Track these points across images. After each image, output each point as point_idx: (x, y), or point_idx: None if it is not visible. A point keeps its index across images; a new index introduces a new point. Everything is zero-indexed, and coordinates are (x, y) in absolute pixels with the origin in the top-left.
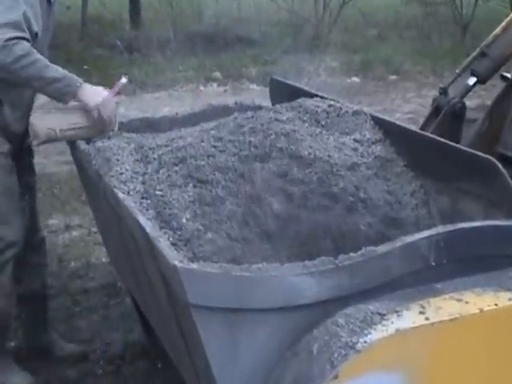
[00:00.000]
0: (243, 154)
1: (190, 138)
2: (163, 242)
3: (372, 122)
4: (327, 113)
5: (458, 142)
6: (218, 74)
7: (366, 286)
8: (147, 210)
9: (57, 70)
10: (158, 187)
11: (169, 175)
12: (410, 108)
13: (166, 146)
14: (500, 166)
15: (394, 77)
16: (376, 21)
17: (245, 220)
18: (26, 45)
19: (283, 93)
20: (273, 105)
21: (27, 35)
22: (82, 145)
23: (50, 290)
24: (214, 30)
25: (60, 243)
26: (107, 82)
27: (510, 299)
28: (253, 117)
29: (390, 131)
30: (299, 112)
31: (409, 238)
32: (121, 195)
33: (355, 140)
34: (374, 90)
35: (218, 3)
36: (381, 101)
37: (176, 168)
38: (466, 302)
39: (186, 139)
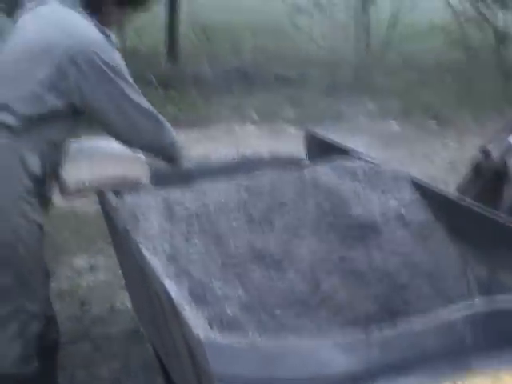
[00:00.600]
0: (282, 222)
1: (222, 199)
2: (189, 311)
3: (411, 185)
4: (365, 172)
5: (499, 205)
6: (254, 115)
7: (397, 361)
8: (175, 273)
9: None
10: (185, 250)
11: (197, 240)
12: (449, 156)
13: (195, 202)
14: None
15: (434, 123)
16: (417, 64)
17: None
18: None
19: (318, 146)
20: (307, 156)
21: None
22: (111, 196)
23: (72, 334)
24: (252, 66)
25: (84, 285)
26: None
27: None
28: (288, 178)
29: (429, 195)
30: (337, 170)
31: (445, 315)
32: (147, 254)
33: (396, 201)
34: (413, 136)
35: (257, 39)
36: (420, 147)
37: (205, 232)
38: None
39: (217, 201)
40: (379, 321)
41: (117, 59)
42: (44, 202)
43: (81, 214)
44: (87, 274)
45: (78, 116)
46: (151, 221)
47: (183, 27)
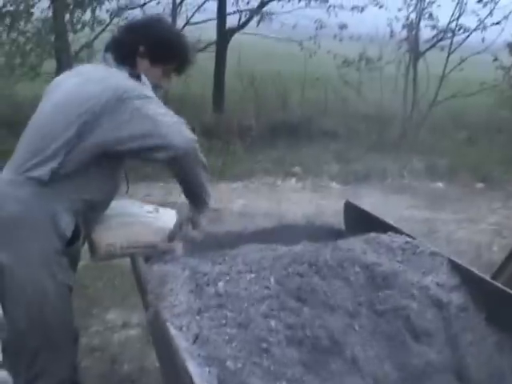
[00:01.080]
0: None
1: (253, 276)
2: None
3: (449, 266)
4: (403, 249)
5: None
6: (297, 169)
7: None
8: (199, 353)
9: (206, 176)
10: (215, 334)
11: (225, 321)
12: (495, 219)
13: (224, 278)
14: None
15: (481, 184)
16: (466, 123)
17: None
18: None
19: (357, 217)
20: (346, 227)
21: None
22: (140, 262)
23: None
24: (298, 120)
25: (115, 342)
26: None
27: None
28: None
29: (466, 278)
30: (374, 246)
31: None
32: (173, 331)
33: (434, 283)
34: (459, 197)
35: (304, 93)
36: (465, 209)
37: (233, 314)
38: None
39: (247, 281)
40: None
41: (144, 91)
42: (73, 262)
43: (116, 266)
44: (119, 330)
45: (115, 167)
46: (178, 294)
47: (231, 76)
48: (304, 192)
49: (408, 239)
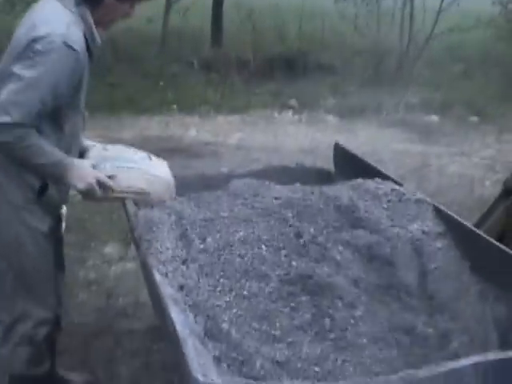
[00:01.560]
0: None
1: (242, 226)
2: (190, 347)
3: (434, 213)
4: (388, 196)
5: None
6: (294, 102)
7: None
8: (185, 301)
9: (45, 155)
10: (200, 282)
11: (209, 269)
12: (488, 153)
13: (209, 222)
14: None
15: (474, 118)
16: (462, 57)
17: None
18: (19, 131)
19: (346, 159)
20: (335, 169)
21: (30, 120)
22: (130, 206)
23: (95, 327)
24: (295, 54)
25: (112, 275)
26: (181, 100)
27: None
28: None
29: (451, 225)
30: (361, 192)
31: (454, 364)
32: (158, 278)
33: (419, 230)
34: (453, 131)
35: (301, 27)
36: (458, 143)
37: (219, 266)
38: None
39: (234, 229)
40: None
41: (51, 55)
42: (50, 210)
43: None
44: (116, 264)
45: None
46: (164, 241)
47: (229, 10)
48: (300, 125)
49: (394, 186)
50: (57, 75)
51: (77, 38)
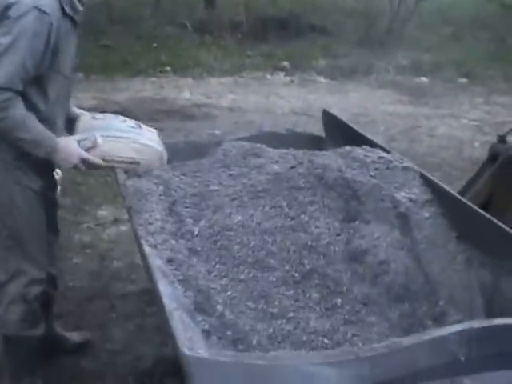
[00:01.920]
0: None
1: (223, 190)
2: (177, 320)
3: (421, 180)
4: (376, 164)
5: None
6: (286, 64)
7: (387, 377)
8: (174, 274)
9: (31, 132)
10: (188, 256)
11: (199, 242)
12: (477, 115)
13: (198, 197)
14: None
15: (463, 80)
16: (452, 18)
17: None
18: (3, 96)
19: (335, 126)
20: (325, 135)
21: (14, 85)
22: (120, 176)
23: (89, 291)
24: (287, 16)
25: (105, 238)
26: (175, 61)
27: None
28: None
29: (437, 193)
30: (349, 160)
31: (438, 332)
32: (147, 249)
33: (406, 198)
34: (442, 92)
35: None
36: (448, 104)
37: (204, 229)
38: None
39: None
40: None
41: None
42: (42, 168)
43: None
44: (110, 227)
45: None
46: (153, 211)
47: None
48: (292, 86)
49: (382, 154)
50: (32, 38)
51: (47, 2)
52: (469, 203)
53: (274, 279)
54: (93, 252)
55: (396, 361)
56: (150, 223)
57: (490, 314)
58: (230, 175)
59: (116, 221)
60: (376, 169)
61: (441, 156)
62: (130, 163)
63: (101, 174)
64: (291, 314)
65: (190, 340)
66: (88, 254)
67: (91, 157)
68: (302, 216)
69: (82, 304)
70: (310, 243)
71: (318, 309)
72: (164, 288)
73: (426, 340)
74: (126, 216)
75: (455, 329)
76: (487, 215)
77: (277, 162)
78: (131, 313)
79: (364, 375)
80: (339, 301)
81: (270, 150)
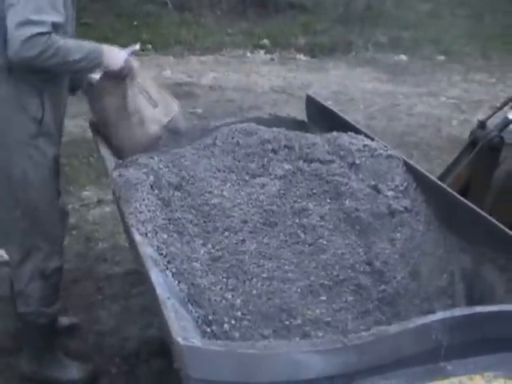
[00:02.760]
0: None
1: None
2: (170, 309)
3: (404, 168)
4: (361, 152)
5: (492, 176)
6: (266, 42)
7: (373, 364)
8: (163, 260)
9: (79, 50)
10: (179, 245)
11: (188, 225)
12: (454, 92)
13: (186, 183)
14: None
15: (442, 57)
16: None
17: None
18: (45, 38)
19: (317, 110)
20: (308, 120)
21: (49, 27)
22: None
23: (76, 273)
24: None
25: (90, 219)
26: (156, 39)
27: None
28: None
29: (420, 180)
30: (334, 147)
31: (421, 320)
32: (138, 238)
33: (389, 187)
34: (421, 70)
35: None
36: (426, 82)
37: (193, 216)
38: None
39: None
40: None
41: None
42: (51, 141)
43: (91, 143)
44: (94, 208)
45: None
46: (143, 200)
47: None
48: (272, 64)
49: (366, 142)
50: None
51: None
52: (452, 191)
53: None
54: (78, 233)
55: (382, 348)
56: (141, 211)
57: (470, 299)
58: (222, 166)
59: (100, 202)
60: (361, 157)
61: (419, 135)
62: (156, 101)
63: (84, 155)
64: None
65: (184, 329)
66: (74, 235)
67: (132, 59)
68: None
69: (68, 286)
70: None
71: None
72: (156, 277)
73: (411, 328)
74: (109, 197)
75: (438, 317)
76: (469, 203)
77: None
78: (117, 294)
79: (352, 362)
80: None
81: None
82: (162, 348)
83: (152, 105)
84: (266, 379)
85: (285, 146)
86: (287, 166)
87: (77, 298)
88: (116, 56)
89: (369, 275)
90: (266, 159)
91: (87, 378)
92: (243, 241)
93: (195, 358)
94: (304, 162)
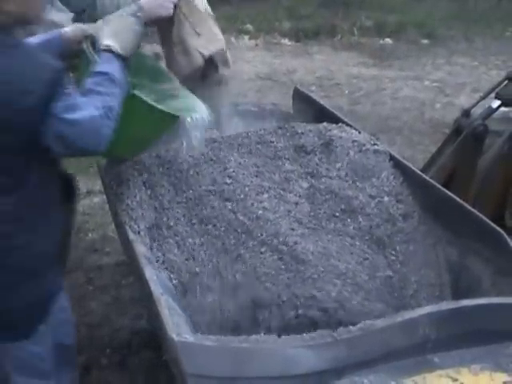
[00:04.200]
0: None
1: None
2: (164, 307)
3: (392, 163)
4: (349, 147)
5: (476, 165)
6: (250, 27)
7: (362, 359)
8: (156, 258)
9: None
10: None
11: (181, 221)
12: (438, 76)
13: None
14: (508, 238)
15: (426, 41)
16: None
17: None
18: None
19: (304, 103)
20: (294, 111)
21: None
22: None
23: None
24: None
25: (80, 210)
26: None
27: (504, 382)
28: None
29: (407, 174)
30: (323, 140)
31: (409, 314)
32: (132, 236)
33: (376, 184)
34: (406, 54)
35: None
36: (411, 65)
37: (184, 211)
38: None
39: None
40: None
41: None
42: None
43: None
44: (84, 199)
45: None
46: (135, 197)
47: None
48: (257, 50)
49: (356, 138)
50: None
51: None
52: (438, 185)
53: None
54: None
55: (371, 342)
56: (133, 209)
57: (457, 291)
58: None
59: (89, 193)
60: (348, 153)
61: (403, 119)
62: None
63: None
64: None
65: (177, 325)
66: None
67: None
68: None
69: None
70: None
71: None
72: (150, 275)
73: (399, 322)
74: (98, 187)
75: (425, 311)
76: (455, 197)
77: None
78: (107, 285)
79: (341, 357)
80: None
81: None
82: (153, 339)
83: (197, 35)
84: (258, 373)
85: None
86: (305, 184)
87: (68, 289)
88: (161, 4)
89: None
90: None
91: None
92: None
93: (189, 354)
94: (312, 177)
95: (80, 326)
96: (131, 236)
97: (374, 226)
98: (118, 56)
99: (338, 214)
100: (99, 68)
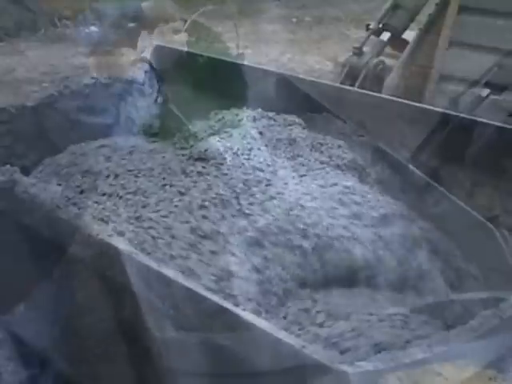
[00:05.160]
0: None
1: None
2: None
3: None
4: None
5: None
6: None
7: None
8: None
9: None
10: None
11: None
12: None
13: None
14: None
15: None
16: None
17: None
18: None
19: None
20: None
21: None
22: None
23: None
24: None
25: None
26: None
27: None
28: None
29: (389, 162)
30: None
31: (395, 310)
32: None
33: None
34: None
35: None
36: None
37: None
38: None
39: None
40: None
41: None
42: None
43: None
44: None
45: None
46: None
47: None
48: None
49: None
50: None
51: None
52: (416, 170)
53: None
54: None
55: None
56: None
57: (447, 281)
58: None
59: None
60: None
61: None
62: None
63: None
64: None
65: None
66: None
67: None
68: None
69: None
70: None
71: None
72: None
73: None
74: None
75: (410, 306)
76: (434, 183)
77: None
78: None
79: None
80: None
81: None
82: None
83: None
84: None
85: None
86: None
87: None
88: None
89: None
90: None
91: None
92: None
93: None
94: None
95: None
96: None
97: None
98: None
99: None
100: None
